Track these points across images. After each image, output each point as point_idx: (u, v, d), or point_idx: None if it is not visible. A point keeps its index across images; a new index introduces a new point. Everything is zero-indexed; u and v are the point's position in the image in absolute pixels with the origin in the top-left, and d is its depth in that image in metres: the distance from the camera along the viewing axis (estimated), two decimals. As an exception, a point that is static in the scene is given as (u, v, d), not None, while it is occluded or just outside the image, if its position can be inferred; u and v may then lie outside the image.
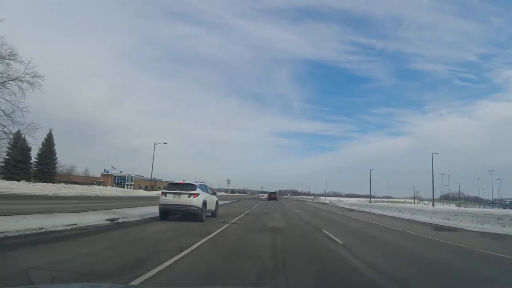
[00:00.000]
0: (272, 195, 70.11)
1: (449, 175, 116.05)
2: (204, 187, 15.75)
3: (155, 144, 40.82)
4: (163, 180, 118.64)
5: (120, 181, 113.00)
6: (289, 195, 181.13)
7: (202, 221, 14.15)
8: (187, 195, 14.27)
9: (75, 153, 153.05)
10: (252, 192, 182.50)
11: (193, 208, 14.15)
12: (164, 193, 14.73)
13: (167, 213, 14.57)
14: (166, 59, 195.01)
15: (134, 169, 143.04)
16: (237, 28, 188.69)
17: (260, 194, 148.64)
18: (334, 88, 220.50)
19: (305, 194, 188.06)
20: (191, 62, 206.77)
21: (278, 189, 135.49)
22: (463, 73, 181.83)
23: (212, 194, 17.13)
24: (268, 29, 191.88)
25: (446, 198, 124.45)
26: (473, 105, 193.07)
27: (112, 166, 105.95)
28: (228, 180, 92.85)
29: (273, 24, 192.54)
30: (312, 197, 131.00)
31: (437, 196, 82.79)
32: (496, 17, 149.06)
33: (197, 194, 14.44)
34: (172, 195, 14.46)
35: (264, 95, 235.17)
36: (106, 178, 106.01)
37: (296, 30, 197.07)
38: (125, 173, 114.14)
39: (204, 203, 14.75)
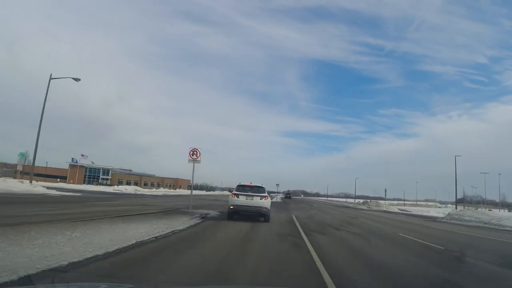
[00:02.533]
0: (288, 195, 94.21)
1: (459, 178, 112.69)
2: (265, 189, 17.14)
3: (50, 78, 28.98)
4: (157, 176, 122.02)
5: (92, 174, 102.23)
6: (302, 195, 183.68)
7: (268, 221, 16.12)
8: (259, 197, 16.14)
9: (78, 148, 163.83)
10: None
11: (264, 209, 16.02)
12: (236, 195, 16.15)
13: (235, 213, 16.01)
14: (174, 57, 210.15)
15: (133, 165, 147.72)
16: (245, 27, 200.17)
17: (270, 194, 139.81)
18: (342, 88, 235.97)
19: (314, 195, 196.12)
20: (199, 60, 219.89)
21: (286, 189, 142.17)
22: (473, 75, 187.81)
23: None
24: (277, 29, 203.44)
25: (461, 201, 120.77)
26: (483, 108, 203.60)
27: (82, 155, 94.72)
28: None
29: (281, 24, 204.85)
30: (327, 198, 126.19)
31: (452, 199, 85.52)
32: (507, 19, 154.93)
33: (267, 197, 16.69)
34: (245, 197, 16.06)
35: (271, 94, 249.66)
36: (74, 171, 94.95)
37: (304, 30, 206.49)
38: (99, 164, 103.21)
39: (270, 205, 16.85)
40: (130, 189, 50.63)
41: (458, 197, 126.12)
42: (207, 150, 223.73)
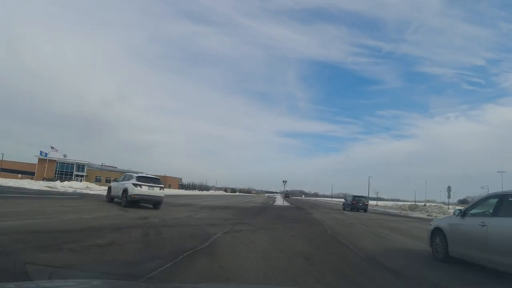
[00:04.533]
0: (287, 195, 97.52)
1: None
2: None
3: None
4: (147, 173, 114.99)
5: (65, 169, 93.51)
6: (303, 196, 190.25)
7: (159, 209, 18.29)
8: (159, 188, 18.82)
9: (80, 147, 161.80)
10: (257, 192, 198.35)
11: (161, 199, 18.73)
12: (139, 185, 17.76)
13: (137, 202, 17.64)
14: (175, 57, 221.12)
15: (128, 164, 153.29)
16: (245, 27, 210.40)
17: (268, 194, 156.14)
18: (341, 89, 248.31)
19: (312, 195, 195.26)
20: (200, 60, 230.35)
21: (284, 189, 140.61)
22: (470, 77, 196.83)
23: None
24: (277, 29, 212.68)
25: (464, 202, 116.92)
26: (480, 109, 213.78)
27: (52, 147, 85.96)
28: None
29: (281, 24, 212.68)
30: (331, 199, 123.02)
31: (454, 200, 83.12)
32: (505, 22, 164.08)
33: (163, 188, 19.73)
34: (147, 187, 18.12)
35: (271, 94, 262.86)
36: (42, 165, 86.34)
37: (304, 31, 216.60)
38: (72, 158, 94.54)
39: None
40: (78, 185, 41.50)
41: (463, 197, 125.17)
42: (205, 150, 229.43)
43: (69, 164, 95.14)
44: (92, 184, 52.04)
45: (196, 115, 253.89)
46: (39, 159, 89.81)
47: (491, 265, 6.47)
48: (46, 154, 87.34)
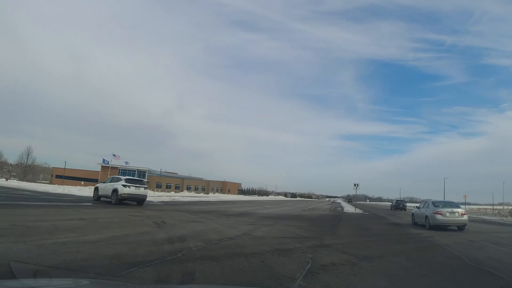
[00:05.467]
0: (350, 200, 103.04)
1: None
2: None
3: None
4: (205, 179, 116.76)
5: (125, 175, 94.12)
6: (367, 200, 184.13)
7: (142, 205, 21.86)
8: (144, 188, 22.32)
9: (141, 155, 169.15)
10: (317, 197, 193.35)
11: (145, 197, 22.73)
12: (127, 186, 20.96)
13: (125, 199, 21.13)
14: (228, 65, 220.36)
15: (188, 171, 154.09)
16: (297, 32, 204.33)
17: (329, 199, 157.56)
18: (402, 88, 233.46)
19: (376, 199, 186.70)
20: (252, 67, 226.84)
21: (345, 194, 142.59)
22: None
23: None
24: (330, 30, 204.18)
25: None
26: None
27: (114, 155, 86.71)
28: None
29: (334, 25, 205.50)
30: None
31: None
32: None
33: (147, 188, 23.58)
34: (134, 187, 21.29)
35: (326, 97, 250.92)
36: (105, 172, 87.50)
37: (358, 30, 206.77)
38: (134, 165, 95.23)
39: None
40: None
41: None
42: (263, 155, 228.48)
43: (130, 171, 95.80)
44: (147, 190, 49.90)
45: (252, 121, 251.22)
46: (102, 166, 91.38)
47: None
48: (108, 162, 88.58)
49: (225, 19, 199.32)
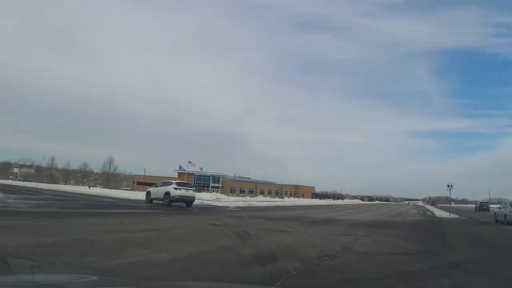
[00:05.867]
0: (433, 203, 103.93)
1: None
2: None
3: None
4: (277, 183, 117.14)
5: (202, 181, 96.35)
6: (452, 203, 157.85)
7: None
8: (192, 190, 24.81)
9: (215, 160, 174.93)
10: (395, 200, 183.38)
11: (194, 198, 24.75)
12: (178, 189, 23.11)
13: (177, 201, 23.13)
14: (294, 68, 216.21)
15: (260, 175, 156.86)
16: (362, 28, 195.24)
17: (409, 202, 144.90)
18: (482, 78, 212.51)
19: (461, 201, 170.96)
20: (319, 68, 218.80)
21: (427, 196, 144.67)
22: None
23: None
24: (398, 24, 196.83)
25: None
26: None
27: (190, 162, 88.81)
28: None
29: (402, 18, 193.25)
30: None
31: None
32: None
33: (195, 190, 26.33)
34: (185, 190, 23.48)
35: (399, 93, 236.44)
36: (181, 178, 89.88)
37: (428, 19, 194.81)
38: (209, 171, 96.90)
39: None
40: (207, 197, 38.38)
41: None
42: (332, 158, 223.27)
43: (205, 176, 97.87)
44: (222, 195, 49.54)
45: (322, 123, 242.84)
46: (178, 173, 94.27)
47: None
48: (184, 168, 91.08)
49: (289, 23, 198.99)
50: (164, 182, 25.74)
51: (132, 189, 79.47)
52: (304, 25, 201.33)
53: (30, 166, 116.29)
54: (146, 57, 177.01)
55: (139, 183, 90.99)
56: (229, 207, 28.00)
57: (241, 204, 34.94)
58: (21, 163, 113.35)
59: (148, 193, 26.14)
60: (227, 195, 50.73)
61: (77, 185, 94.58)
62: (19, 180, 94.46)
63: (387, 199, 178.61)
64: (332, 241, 10.51)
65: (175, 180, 26.48)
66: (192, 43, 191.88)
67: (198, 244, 7.94)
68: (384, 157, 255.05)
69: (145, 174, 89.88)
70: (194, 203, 24.45)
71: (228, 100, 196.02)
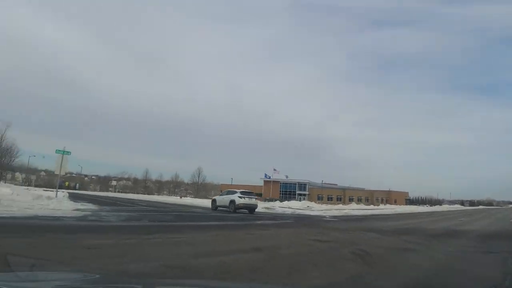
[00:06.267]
0: None
1: None
2: None
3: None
4: (366, 189, 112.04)
5: (288, 189, 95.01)
6: None
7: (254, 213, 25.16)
8: (254, 199, 26.61)
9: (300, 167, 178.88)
10: (498, 203, 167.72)
11: (256, 206, 26.50)
12: (242, 197, 25.10)
13: (240, 208, 24.93)
14: (373, 67, 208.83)
15: (346, 181, 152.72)
16: (444, 16, 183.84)
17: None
18: None
19: None
20: (399, 64, 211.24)
21: None
22: None
23: None
24: (486, 5, 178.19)
25: None
26: None
27: (275, 169, 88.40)
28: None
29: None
30: None
31: None
32: None
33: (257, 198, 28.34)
34: (248, 198, 25.34)
35: (493, 84, 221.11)
36: (268, 186, 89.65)
37: None
38: (294, 178, 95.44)
39: None
40: (297, 205, 36.13)
41: None
42: (422, 159, 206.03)
43: (291, 184, 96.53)
44: (313, 203, 47.22)
45: (408, 122, 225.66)
46: (264, 181, 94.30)
47: None
48: (270, 176, 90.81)
49: (364, 21, 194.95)
50: (228, 191, 28.61)
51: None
52: (379, 21, 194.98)
53: (127, 179, 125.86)
54: (225, 70, 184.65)
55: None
56: (324, 216, 25.84)
57: (335, 212, 32.49)
58: (119, 176, 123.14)
59: (214, 201, 28.67)
60: (315, 203, 48.29)
61: (169, 195, 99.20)
62: (117, 191, 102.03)
63: (489, 203, 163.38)
64: (480, 264, 7.99)
65: (239, 189, 28.00)
66: (269, 53, 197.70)
67: (317, 272, 6.09)
68: (481, 157, 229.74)
69: (232, 183, 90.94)
70: (287, 213, 24.46)
71: (309, 105, 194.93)
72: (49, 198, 18.95)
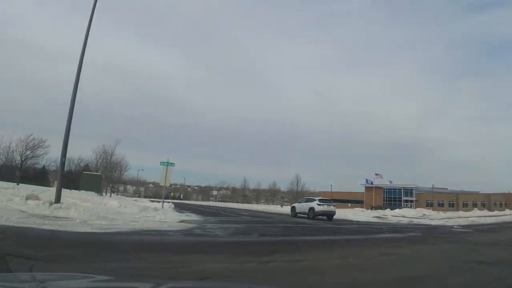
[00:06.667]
0: None
1: None
2: None
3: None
4: (482, 192, 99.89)
5: (392, 195, 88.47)
6: None
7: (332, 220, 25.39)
8: (333, 206, 26.96)
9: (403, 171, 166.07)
10: None
11: (334, 213, 26.67)
12: (321, 204, 26.17)
13: (320, 215, 25.78)
14: (477, 55, 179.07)
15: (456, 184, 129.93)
16: None
17: None
18: None
19: None
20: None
21: None
22: None
23: None
24: None
25: None
26: None
27: (377, 174, 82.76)
28: None
29: None
30: None
31: None
32: None
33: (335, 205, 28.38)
34: (327, 205, 26.20)
35: None
36: (370, 193, 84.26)
37: None
38: (398, 183, 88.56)
39: None
40: (411, 213, 31.66)
41: None
42: None
43: (395, 189, 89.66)
44: (430, 210, 42.15)
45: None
46: (365, 187, 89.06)
47: None
48: (372, 181, 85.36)
49: (461, 6, 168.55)
50: (307, 198, 30.84)
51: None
52: (479, 4, 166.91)
53: (226, 188, 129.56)
54: (317, 76, 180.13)
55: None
56: (451, 226, 22.07)
57: (460, 221, 27.96)
58: (218, 186, 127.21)
59: (293, 207, 30.36)
60: (431, 211, 43.04)
61: (267, 203, 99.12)
62: (217, 201, 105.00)
63: None
64: None
65: (317, 197, 30.76)
66: (359, 52, 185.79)
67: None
68: None
69: (332, 191, 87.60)
70: (403, 222, 22.20)
71: (409, 104, 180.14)
72: (155, 209, 18.60)
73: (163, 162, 22.06)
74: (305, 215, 26.42)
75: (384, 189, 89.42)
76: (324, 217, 25.66)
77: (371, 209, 50.62)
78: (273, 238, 12.12)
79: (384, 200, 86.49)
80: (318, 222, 22.05)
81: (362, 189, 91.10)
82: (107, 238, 9.38)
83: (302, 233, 14.87)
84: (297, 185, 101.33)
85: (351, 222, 24.59)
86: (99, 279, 2.94)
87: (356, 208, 56.57)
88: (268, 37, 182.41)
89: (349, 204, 70.27)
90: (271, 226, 17.41)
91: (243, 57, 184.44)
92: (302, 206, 28.22)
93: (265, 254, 8.01)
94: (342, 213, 32.21)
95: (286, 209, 42.25)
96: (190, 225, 14.35)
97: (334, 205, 27.09)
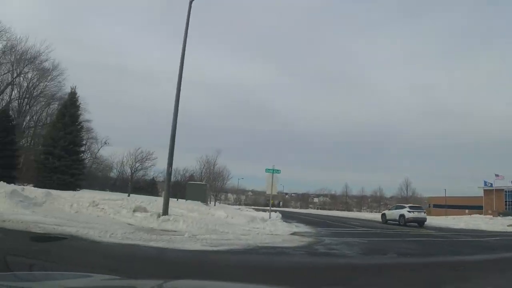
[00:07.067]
0: None
1: None
2: None
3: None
4: None
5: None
6: None
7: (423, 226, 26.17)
8: (423, 212, 27.73)
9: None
10: None
11: (425, 219, 27.10)
12: (411, 212, 26.62)
13: (411, 221, 26.24)
14: None
15: None
16: None
17: None
18: None
19: None
20: None
21: None
22: None
23: None
24: None
25: None
26: None
27: (497, 175, 72.59)
28: None
29: None
30: None
31: None
32: None
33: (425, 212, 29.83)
34: (417, 212, 26.74)
35: None
36: (488, 196, 74.40)
37: None
38: (524, 184, 76.88)
39: None
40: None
41: None
42: None
43: (520, 192, 78.02)
44: None
45: None
46: (484, 190, 78.89)
47: None
48: (491, 183, 75.24)
49: None
50: (397, 206, 32.18)
51: (430, 213, 71.15)
52: None
53: (325, 195, 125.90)
54: (413, 71, 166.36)
55: (436, 206, 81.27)
56: None
57: None
58: (317, 192, 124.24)
59: (384, 215, 31.41)
60: None
61: (370, 211, 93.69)
62: (317, 208, 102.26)
63: None
64: None
65: (407, 204, 31.26)
66: (459, 42, 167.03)
67: None
68: None
69: (446, 195, 79.44)
70: None
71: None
72: (263, 220, 17.30)
73: (269, 169, 20.75)
74: (395, 222, 27.10)
75: (505, 191, 78.31)
76: (416, 224, 26.20)
77: (500, 216, 43.99)
78: (420, 260, 9.64)
79: (506, 203, 75.82)
80: (458, 235, 18.71)
81: (480, 193, 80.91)
82: (222, 260, 8.03)
83: (447, 251, 12.15)
84: (406, 190, 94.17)
85: (489, 233, 20.77)
86: (99, 278, 2.91)
87: (474, 215, 50.00)
88: (363, 37, 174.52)
89: (467, 211, 62.37)
90: (399, 242, 14.75)
91: (334, 63, 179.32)
92: (392, 213, 29.16)
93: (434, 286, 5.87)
94: (461, 221, 29.75)
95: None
96: (306, 239, 12.60)
97: (425, 212, 28.40)
